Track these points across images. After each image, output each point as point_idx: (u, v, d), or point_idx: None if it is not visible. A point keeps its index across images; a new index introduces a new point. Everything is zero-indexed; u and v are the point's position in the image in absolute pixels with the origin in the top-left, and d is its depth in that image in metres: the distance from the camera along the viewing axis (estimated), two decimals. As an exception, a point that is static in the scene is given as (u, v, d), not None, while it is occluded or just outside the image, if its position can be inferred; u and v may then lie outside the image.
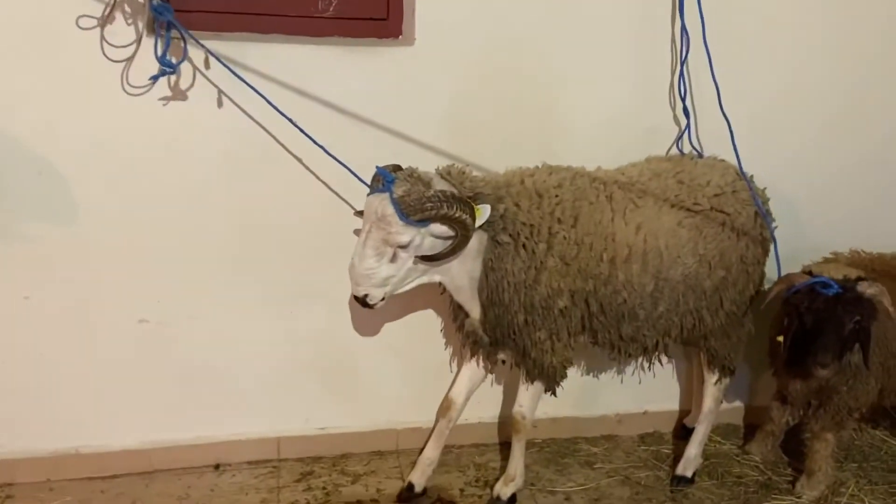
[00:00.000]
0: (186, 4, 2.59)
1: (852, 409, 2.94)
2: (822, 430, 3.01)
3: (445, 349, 3.25)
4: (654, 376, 3.34)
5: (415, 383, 3.27)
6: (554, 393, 2.87)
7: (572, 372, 3.28)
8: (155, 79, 2.58)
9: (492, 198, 2.58)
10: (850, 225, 3.34)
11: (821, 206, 3.34)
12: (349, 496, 3.01)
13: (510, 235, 2.60)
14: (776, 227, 3.01)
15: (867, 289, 2.64)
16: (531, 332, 2.69)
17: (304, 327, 3.09)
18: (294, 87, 2.76)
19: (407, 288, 2.65)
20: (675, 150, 3.15)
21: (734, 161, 2.98)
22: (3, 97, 2.61)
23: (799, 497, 3.07)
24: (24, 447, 2.95)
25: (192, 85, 2.71)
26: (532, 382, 2.82)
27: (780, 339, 2.74)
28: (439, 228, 2.50)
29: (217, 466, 3.13)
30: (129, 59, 2.62)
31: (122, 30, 2.59)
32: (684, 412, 3.54)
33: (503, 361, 2.93)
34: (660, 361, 3.15)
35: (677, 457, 3.25)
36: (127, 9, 2.56)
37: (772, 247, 2.99)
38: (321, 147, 2.70)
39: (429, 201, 2.43)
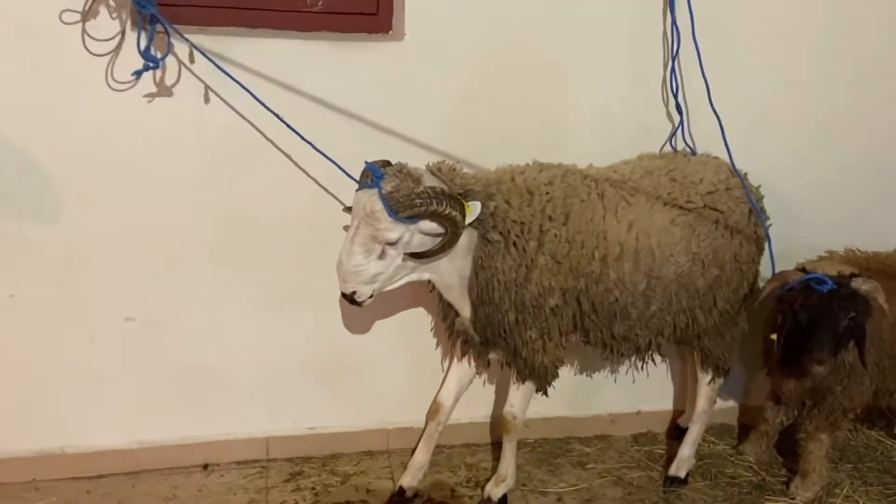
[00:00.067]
0: (172, -2, 2.56)
1: (847, 409, 2.92)
2: (817, 431, 2.98)
3: (437, 348, 3.23)
4: (648, 376, 3.33)
5: (406, 383, 3.24)
6: (545, 393, 2.84)
7: (565, 371, 3.28)
8: (138, 74, 2.54)
9: (482, 195, 2.55)
10: (846, 223, 3.32)
11: (816, 205, 3.31)
12: (339, 496, 2.98)
13: (500, 233, 2.57)
14: (770, 225, 2.99)
15: (862, 285, 2.61)
16: (522, 332, 2.66)
17: (293, 326, 3.05)
18: (282, 83, 2.73)
19: (396, 285, 2.62)
20: (668, 148, 3.12)
21: (727, 158, 2.95)
22: (-14, 93, 2.58)
23: (793, 498, 3.05)
24: (9, 447, 2.92)
25: (177, 80, 2.67)
26: (523, 382, 2.79)
27: (774, 337, 2.71)
28: (429, 225, 2.47)
29: (205, 466, 3.10)
30: (114, 55, 2.59)
31: (105, 24, 2.55)
32: (678, 412, 3.52)
33: (494, 361, 2.89)
34: (653, 361, 3.14)
35: (670, 457, 3.22)
36: (111, 2, 2.52)
37: (766, 245, 2.97)
38: (309, 143, 2.67)
39: (418, 198, 2.40)
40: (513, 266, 2.58)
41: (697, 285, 2.79)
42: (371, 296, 2.55)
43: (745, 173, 2.97)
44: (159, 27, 2.49)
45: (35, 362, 2.88)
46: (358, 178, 2.58)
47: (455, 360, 2.95)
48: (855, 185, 3.37)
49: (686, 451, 3.14)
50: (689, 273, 2.76)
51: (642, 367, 3.13)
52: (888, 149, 3.37)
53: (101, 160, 2.71)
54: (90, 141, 2.68)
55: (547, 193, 2.64)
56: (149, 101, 2.67)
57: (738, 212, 2.85)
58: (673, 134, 3.09)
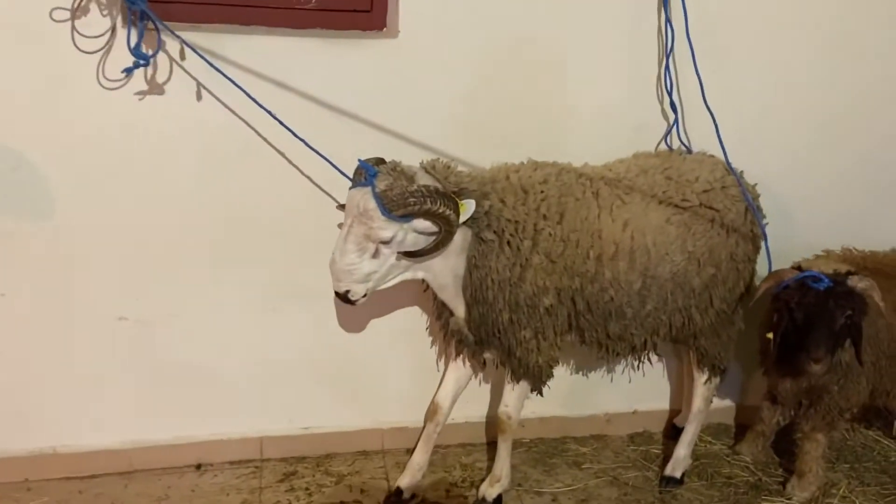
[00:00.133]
0: (164, -6, 2.54)
1: (843, 409, 2.90)
2: (813, 431, 2.97)
3: (431, 348, 3.21)
4: (644, 375, 3.32)
5: (401, 382, 3.22)
6: (540, 393, 2.83)
7: (561, 371, 3.27)
8: (129, 71, 2.53)
9: (477, 193, 2.54)
10: (843, 222, 3.30)
11: (813, 203, 3.29)
12: (333, 497, 2.96)
13: (495, 232, 2.55)
14: (767, 224, 2.97)
15: (858, 283, 2.60)
16: (516, 331, 2.65)
17: (287, 325, 3.04)
18: (275, 80, 2.71)
19: (389, 284, 2.60)
20: (663, 146, 3.10)
21: (723, 156, 2.93)
22: (-24, 91, 2.56)
23: (789, 498, 3.04)
24: (1, 447, 2.90)
25: (169, 78, 2.66)
26: (517, 382, 2.78)
27: (770, 336, 2.69)
28: (422, 224, 2.45)
29: (198, 466, 3.09)
30: (105, 52, 2.57)
31: (96, 21, 2.53)
32: (675, 411, 3.50)
33: (489, 361, 2.88)
34: (649, 360, 3.13)
35: (667, 457, 3.21)
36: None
37: (762, 243, 2.95)
38: (302, 140, 2.65)
39: (412, 196, 2.38)
40: (507, 265, 2.56)
41: (693, 284, 2.78)
42: (365, 295, 2.53)
43: (741, 171, 2.95)
44: (150, 24, 2.47)
45: (27, 362, 2.86)
46: (351, 176, 2.56)
47: (452, 360, 2.93)
48: (852, 183, 3.35)
49: (682, 451, 3.13)
50: (685, 272, 2.75)
51: (638, 366, 3.13)
52: (886, 148, 3.35)
53: (93, 158, 2.69)
54: (81, 139, 2.66)
55: (541, 192, 2.62)
56: (140, 99, 2.65)
57: (734, 210, 2.83)
58: (668, 132, 3.08)
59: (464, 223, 2.50)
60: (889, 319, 2.79)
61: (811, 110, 3.23)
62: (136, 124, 2.68)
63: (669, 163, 2.86)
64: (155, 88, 2.65)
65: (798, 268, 2.73)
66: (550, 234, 2.59)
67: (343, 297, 2.52)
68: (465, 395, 3.03)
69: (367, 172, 2.44)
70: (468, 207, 2.48)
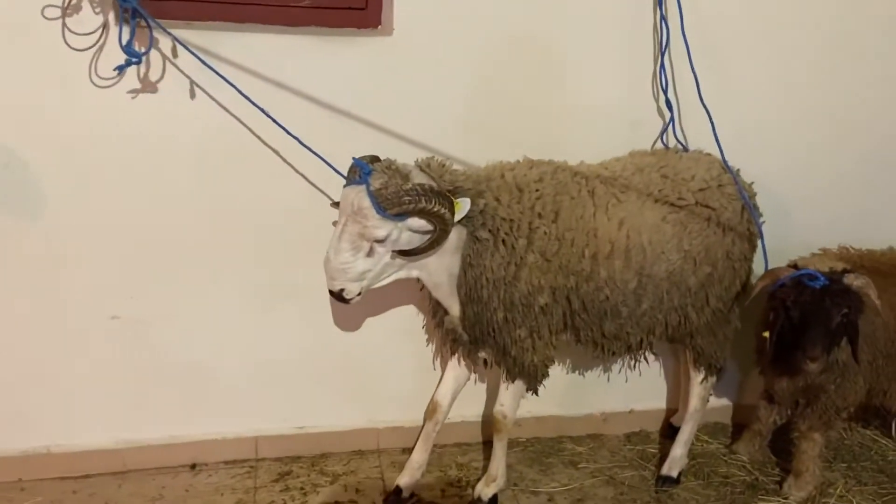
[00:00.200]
0: (157, -8, 2.53)
1: (840, 408, 2.89)
2: (810, 430, 2.96)
3: (427, 346, 3.19)
4: (641, 374, 3.31)
5: (396, 381, 3.21)
6: (536, 392, 2.82)
7: (557, 370, 3.26)
8: (121, 69, 2.51)
9: (472, 192, 2.52)
10: (840, 221, 3.29)
11: (810, 201, 3.28)
12: (327, 497, 2.95)
13: (489, 231, 2.54)
14: (763, 223, 2.96)
15: (854, 281, 2.59)
16: (511, 330, 2.63)
17: (282, 324, 3.03)
18: (269, 78, 2.70)
19: (384, 283, 2.59)
20: (659, 144, 3.09)
21: (719, 155, 2.92)
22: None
23: (786, 498, 3.03)
24: (-5, 447, 2.90)
25: (162, 76, 2.64)
26: (513, 381, 2.76)
27: (766, 334, 2.68)
28: (417, 223, 2.44)
29: (193, 466, 3.07)
30: (98, 50, 2.55)
31: (88, 18, 2.52)
32: (671, 411, 3.50)
33: (484, 360, 2.87)
34: (645, 359, 3.12)
35: (663, 456, 3.20)
36: (93, -4, 2.50)
37: (759, 242, 2.94)
38: (296, 138, 2.64)
39: (407, 195, 2.37)
40: (502, 264, 2.55)
41: (689, 283, 2.77)
42: (359, 293, 2.52)
43: (738, 170, 2.94)
44: (142, 21, 2.46)
45: (19, 361, 2.84)
46: (346, 174, 2.55)
47: (450, 358, 2.92)
48: (850, 182, 3.35)
49: (678, 450, 3.12)
50: (681, 271, 2.74)
51: (634, 365, 3.12)
52: (884, 146, 3.34)
53: (85, 156, 2.68)
54: (73, 137, 2.65)
55: (537, 191, 2.61)
56: (133, 98, 2.64)
57: (730, 209, 2.82)
58: (664, 130, 3.07)
59: (459, 222, 2.49)
60: (886, 318, 2.78)
61: (809, 109, 3.22)
62: (128, 122, 2.67)
63: (665, 161, 2.85)
64: (148, 87, 2.64)
65: (794, 266, 2.72)
66: (545, 233, 2.58)
67: (337, 296, 2.51)
68: (460, 395, 3.02)
69: (361, 170, 2.43)
70: (463, 206, 2.47)
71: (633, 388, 3.42)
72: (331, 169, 2.68)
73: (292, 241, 2.91)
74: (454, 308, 2.69)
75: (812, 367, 2.61)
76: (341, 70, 2.77)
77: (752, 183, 2.98)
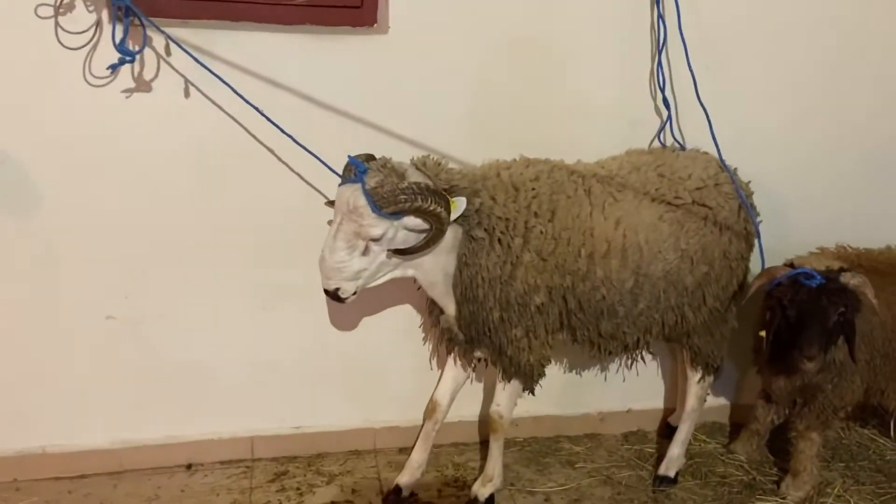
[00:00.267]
0: (151, -10, 2.52)
1: (837, 408, 2.88)
2: (807, 430, 2.95)
3: (424, 346, 3.18)
4: (638, 374, 3.30)
5: (393, 381, 3.20)
6: (532, 392, 2.81)
7: (554, 369, 3.25)
8: (114, 68, 2.50)
9: (467, 191, 2.52)
10: (837, 220, 3.27)
11: (807, 200, 3.27)
12: (324, 497, 2.94)
13: (485, 230, 2.53)
14: (761, 222, 2.95)
15: (851, 279, 2.58)
16: (507, 330, 2.62)
17: (278, 324, 3.02)
18: (264, 77, 2.69)
19: (379, 282, 2.59)
20: (656, 143, 3.08)
21: (716, 154, 2.91)
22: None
23: (784, 497, 3.02)
24: (-10, 447, 2.89)
25: (156, 75, 2.63)
26: (509, 381, 2.75)
27: (763, 333, 2.67)
28: (413, 221, 2.43)
29: (189, 466, 3.07)
30: (91, 48, 2.54)
31: (81, 16, 2.51)
32: (669, 410, 3.49)
33: (480, 359, 2.86)
34: (643, 359, 3.11)
35: (661, 456, 3.19)
36: (86, -7, 2.50)
37: (756, 241, 2.93)
38: (290, 137, 2.63)
39: (403, 193, 2.36)
40: (497, 263, 2.54)
41: (686, 283, 2.76)
42: (354, 293, 2.52)
43: (735, 169, 2.93)
44: (136, 20, 2.45)
45: (13, 361, 2.84)
46: (341, 173, 2.54)
47: (447, 360, 2.91)
48: (847, 181, 3.34)
49: (675, 450, 3.11)
50: (678, 270, 2.73)
51: (631, 365, 3.10)
52: (882, 146, 3.33)
53: (79, 155, 2.67)
54: (67, 135, 2.64)
55: (533, 189, 2.60)
56: (127, 97, 2.63)
57: (727, 208, 2.81)
58: (661, 129, 3.06)
59: (454, 221, 2.48)
60: (883, 317, 2.77)
61: (807, 108, 3.21)
62: (122, 121, 2.66)
63: (662, 160, 2.84)
64: (142, 85, 2.63)
65: (790, 265, 2.71)
66: (542, 232, 2.57)
67: (333, 295, 2.50)
68: (458, 395, 3.01)
69: (356, 169, 2.42)
70: (459, 205, 2.46)
71: (630, 388, 3.41)
72: (325, 167, 2.67)
73: (289, 241, 2.90)
74: (450, 307, 2.68)
75: (809, 366, 2.60)
76: (337, 69, 2.76)
77: (750, 182, 2.97)
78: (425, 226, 2.44)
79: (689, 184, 2.78)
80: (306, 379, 3.12)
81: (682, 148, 3.04)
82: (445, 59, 2.83)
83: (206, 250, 2.87)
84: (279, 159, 2.80)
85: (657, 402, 3.51)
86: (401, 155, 2.57)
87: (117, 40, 2.44)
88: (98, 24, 2.52)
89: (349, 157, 2.47)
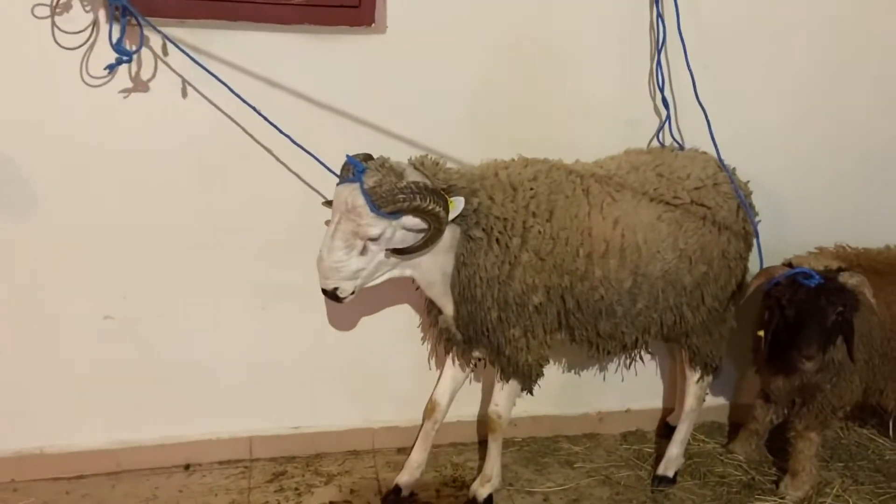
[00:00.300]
0: (148, -10, 2.51)
1: (836, 407, 2.88)
2: (806, 430, 2.95)
3: (423, 346, 3.18)
4: (637, 374, 3.30)
5: (392, 381, 3.20)
6: (530, 392, 2.80)
7: (553, 369, 3.25)
8: (111, 68, 2.49)
9: (466, 190, 2.51)
10: (836, 220, 3.27)
11: (806, 200, 3.27)
12: (322, 497, 2.94)
13: (483, 230, 2.53)
14: (759, 222, 2.95)
15: (849, 279, 2.58)
16: (505, 330, 2.62)
17: (276, 324, 3.01)
18: (262, 77, 2.69)
19: (377, 281, 2.58)
20: (655, 143, 3.08)
21: (715, 153, 2.91)
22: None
23: (783, 497, 3.01)
24: (-12, 447, 2.88)
25: (154, 75, 2.63)
26: (507, 381, 2.75)
27: (761, 333, 2.67)
28: (411, 221, 2.43)
29: (187, 467, 3.06)
30: (89, 49, 2.53)
31: (78, 16, 2.50)
32: (668, 410, 3.48)
33: (479, 359, 2.86)
34: (641, 359, 3.11)
35: (659, 456, 3.19)
36: (83, -7, 2.49)
37: (754, 241, 2.93)
38: (288, 136, 2.62)
39: (401, 193, 2.36)
40: (496, 263, 2.54)
41: (684, 282, 2.75)
42: (353, 292, 2.51)
43: (734, 168, 2.93)
44: (133, 19, 2.44)
45: (11, 361, 2.83)
46: (339, 173, 2.53)
47: (446, 360, 2.91)
48: (846, 180, 3.33)
49: (674, 449, 3.11)
50: (676, 270, 2.72)
51: (630, 365, 3.10)
52: (882, 146, 3.33)
53: (77, 156, 2.66)
54: (64, 136, 2.63)
55: (531, 189, 2.60)
56: (125, 97, 2.62)
57: (725, 207, 2.81)
58: (660, 128, 3.05)
59: (452, 220, 2.48)
60: (881, 316, 2.77)
61: (806, 108, 3.21)
62: (120, 121, 2.65)
63: (661, 159, 2.83)
64: (139, 85, 2.62)
65: (789, 264, 2.70)
66: (540, 232, 2.56)
67: (331, 295, 2.50)
68: (456, 394, 3.01)
69: (355, 168, 2.42)
70: (457, 204, 2.46)
71: (629, 388, 3.40)
72: (323, 167, 2.67)
73: (287, 241, 2.89)
74: (448, 307, 2.68)
75: (807, 365, 2.60)
76: (334, 68, 2.76)
77: (748, 181, 2.97)
78: (423, 225, 2.44)
79: (688, 183, 2.77)
80: (305, 379, 3.11)
81: (681, 148, 3.03)
82: (444, 58, 2.83)
83: (204, 250, 2.87)
84: (277, 159, 2.80)
85: (656, 401, 3.51)
86: (399, 155, 2.57)
87: (114, 40, 2.43)
88: (95, 23, 2.51)
89: (347, 156, 2.47)
